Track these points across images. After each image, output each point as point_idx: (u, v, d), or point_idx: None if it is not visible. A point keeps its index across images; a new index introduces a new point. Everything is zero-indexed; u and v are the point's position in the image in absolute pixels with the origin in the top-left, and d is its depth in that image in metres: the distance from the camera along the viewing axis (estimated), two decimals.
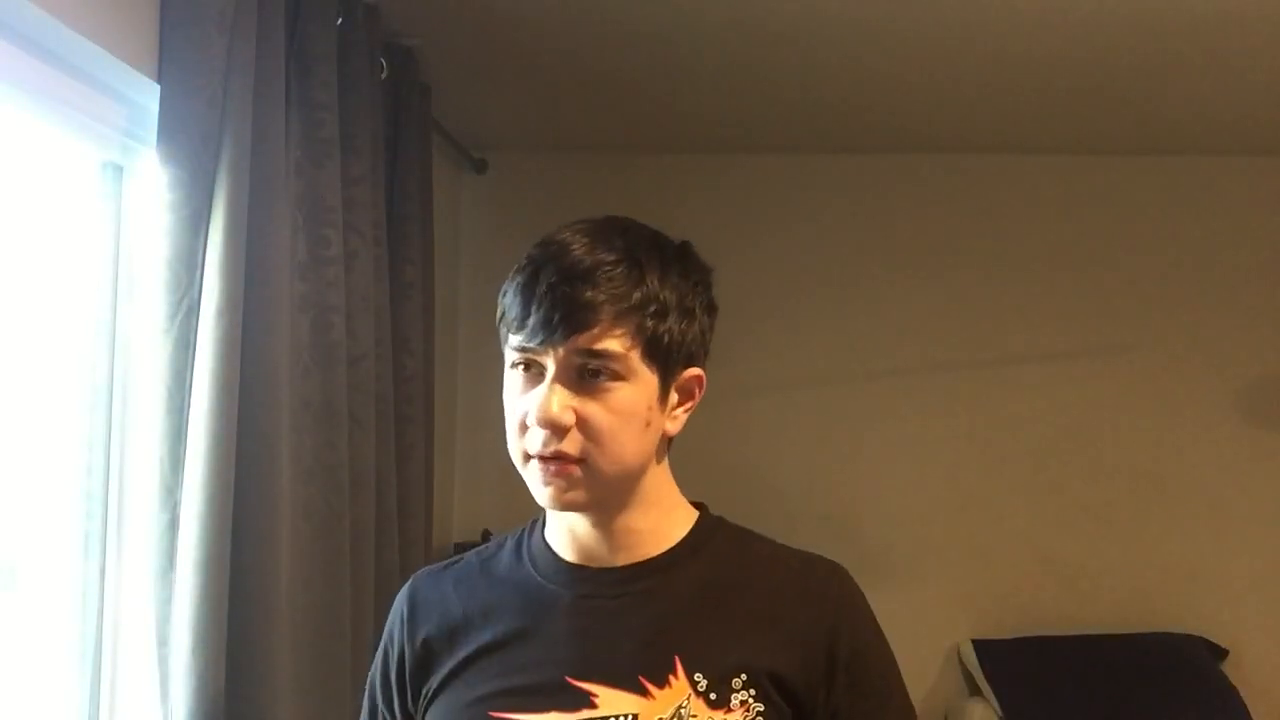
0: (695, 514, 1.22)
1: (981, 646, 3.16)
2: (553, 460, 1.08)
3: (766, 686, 1.10)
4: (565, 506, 1.12)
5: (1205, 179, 3.32)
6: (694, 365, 1.15)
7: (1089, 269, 3.33)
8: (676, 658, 1.10)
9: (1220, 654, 3.14)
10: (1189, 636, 3.15)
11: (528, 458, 1.10)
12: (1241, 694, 2.99)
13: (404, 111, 2.42)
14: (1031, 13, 2.32)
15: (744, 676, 1.10)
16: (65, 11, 1.43)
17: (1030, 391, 3.31)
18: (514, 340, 1.09)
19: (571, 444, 1.08)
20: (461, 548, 3.06)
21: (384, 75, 2.26)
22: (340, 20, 2.01)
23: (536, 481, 1.11)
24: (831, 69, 2.68)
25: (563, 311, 1.05)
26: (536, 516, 1.24)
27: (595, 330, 1.06)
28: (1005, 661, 3.11)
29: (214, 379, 1.59)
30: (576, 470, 1.09)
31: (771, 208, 3.39)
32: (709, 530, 1.21)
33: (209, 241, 1.62)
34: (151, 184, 1.62)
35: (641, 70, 2.73)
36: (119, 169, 1.74)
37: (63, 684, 1.67)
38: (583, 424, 1.07)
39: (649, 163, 3.39)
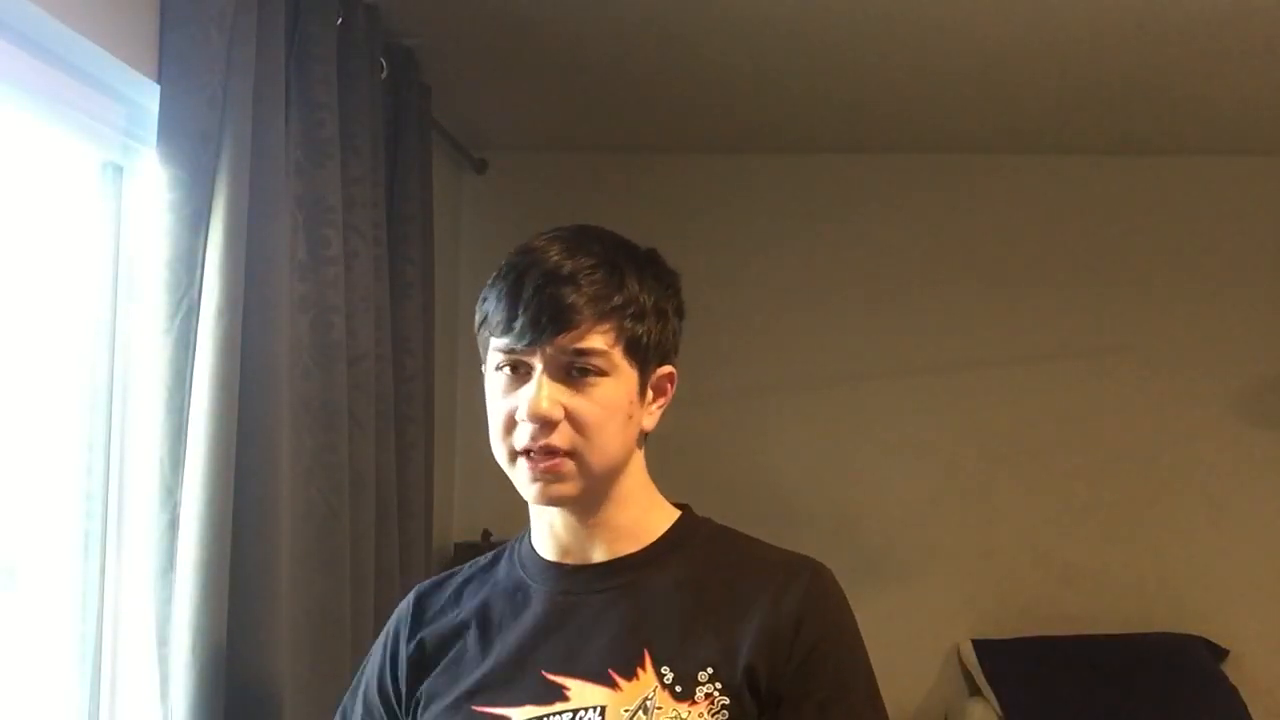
0: (676, 514, 1.25)
1: (981, 646, 3.16)
2: (542, 455, 1.12)
3: (733, 680, 1.11)
4: (553, 500, 1.16)
5: (1205, 179, 3.32)
6: (667, 363, 1.21)
7: (1089, 269, 3.33)
8: (646, 651, 1.13)
9: (1220, 654, 3.14)
10: (1189, 636, 3.14)
11: (514, 455, 1.14)
12: (1241, 694, 2.99)
13: (404, 111, 2.42)
14: (1032, 13, 2.32)
15: (710, 670, 1.12)
16: (65, 11, 1.43)
17: (1030, 391, 3.31)
18: (499, 343, 1.14)
19: (560, 437, 1.12)
20: (461, 547, 3.07)
21: (384, 75, 2.26)
22: (340, 20, 2.01)
23: (524, 478, 1.15)
24: (833, 69, 2.68)
25: (550, 312, 1.10)
26: (528, 524, 1.26)
27: (580, 329, 1.11)
28: (1005, 661, 3.11)
29: (214, 379, 1.59)
30: (567, 463, 1.13)
31: (772, 208, 3.39)
32: (689, 529, 1.24)
33: (209, 241, 1.62)
34: (151, 184, 1.62)
35: (643, 70, 2.73)
36: (119, 169, 1.73)
37: (63, 684, 1.66)
38: (571, 418, 1.12)
39: (649, 163, 3.38)
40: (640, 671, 1.12)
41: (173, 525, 1.59)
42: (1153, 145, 3.24)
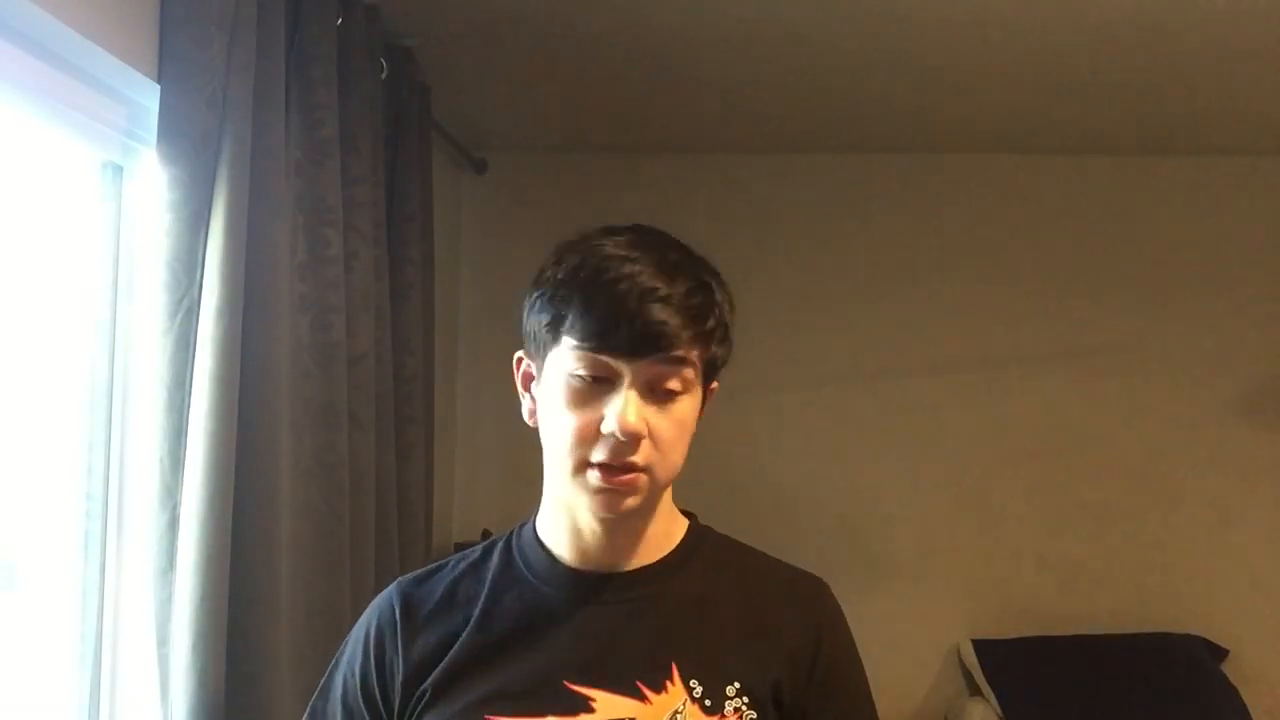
0: (685, 522, 1.25)
1: (981, 646, 3.16)
2: (621, 470, 1.10)
3: (759, 695, 1.12)
4: (619, 513, 1.14)
5: (1205, 179, 3.32)
6: (716, 378, 1.21)
7: (1089, 269, 3.33)
8: (674, 664, 1.12)
9: (1220, 654, 3.14)
10: (1189, 636, 3.14)
11: (585, 466, 1.11)
12: (1241, 694, 2.99)
13: (404, 111, 2.42)
14: (1032, 13, 2.32)
15: (738, 684, 1.12)
16: (65, 11, 1.43)
17: (1030, 391, 3.31)
18: (585, 346, 1.10)
19: (642, 455, 1.10)
20: (462, 548, 3.06)
21: (384, 75, 2.26)
22: (340, 20, 2.01)
23: (591, 489, 1.12)
24: (833, 70, 2.68)
25: (655, 331, 1.09)
26: (523, 520, 1.24)
27: (679, 350, 1.10)
28: (1005, 661, 3.11)
29: (214, 379, 1.59)
30: (641, 479, 1.11)
31: (772, 208, 3.39)
32: (700, 538, 1.24)
33: (209, 241, 1.62)
34: (151, 184, 1.62)
35: (643, 70, 2.73)
36: (119, 169, 1.73)
37: (63, 684, 1.67)
38: (652, 435, 1.11)
39: (649, 163, 3.38)
40: (669, 684, 1.12)
41: (173, 525, 1.59)
42: (1153, 145, 3.24)
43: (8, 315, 1.61)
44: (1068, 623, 3.20)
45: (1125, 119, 3.03)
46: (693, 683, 1.12)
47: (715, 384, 1.21)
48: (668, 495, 1.22)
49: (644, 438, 1.10)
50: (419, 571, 1.27)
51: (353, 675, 1.22)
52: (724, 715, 1.11)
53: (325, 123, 1.94)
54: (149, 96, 1.64)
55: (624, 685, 1.12)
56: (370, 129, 2.12)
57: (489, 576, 1.21)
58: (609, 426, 1.09)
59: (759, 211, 3.39)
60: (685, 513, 1.26)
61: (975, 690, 3.16)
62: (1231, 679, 3.04)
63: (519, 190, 3.38)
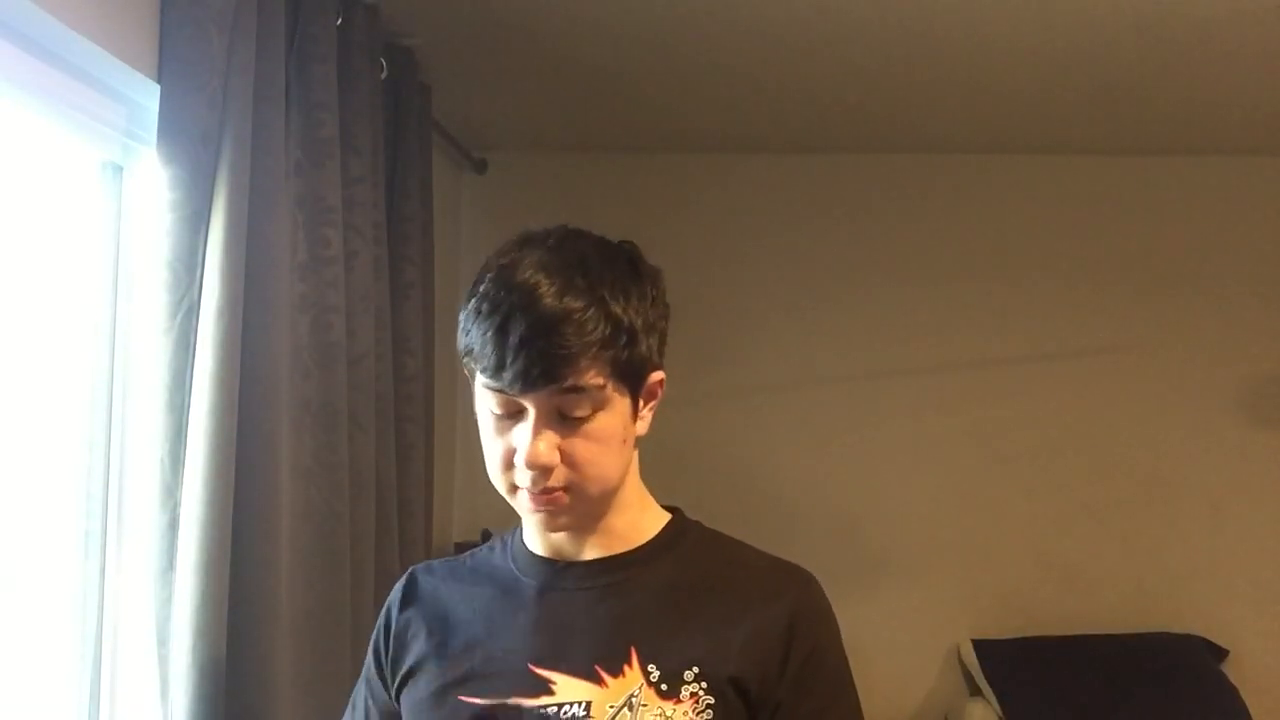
0: (667, 516, 1.26)
1: (981, 646, 3.16)
2: (544, 492, 1.13)
3: (719, 682, 1.12)
4: (557, 530, 1.19)
5: (1205, 179, 3.32)
6: (657, 370, 1.18)
7: (1089, 269, 3.33)
8: (632, 649, 1.14)
9: (1220, 654, 3.14)
10: (1189, 636, 3.15)
11: (514, 489, 1.15)
12: (1241, 694, 2.99)
13: (404, 111, 2.42)
14: (1032, 13, 2.32)
15: (696, 669, 1.13)
16: (65, 11, 1.43)
17: (1030, 391, 3.31)
18: (490, 382, 1.10)
19: (560, 478, 1.12)
20: (461, 548, 3.07)
21: (384, 75, 2.26)
22: (340, 20, 2.01)
23: (525, 510, 1.17)
24: (832, 69, 2.68)
25: (542, 365, 1.07)
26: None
27: (573, 376, 1.08)
28: (1005, 661, 3.11)
29: (214, 379, 1.59)
30: (564, 497, 1.14)
31: (771, 208, 3.39)
32: (681, 531, 1.25)
33: (209, 241, 1.62)
34: (151, 184, 1.62)
35: (641, 70, 2.73)
36: (119, 169, 1.73)
37: (63, 684, 1.66)
38: (567, 458, 1.12)
39: (649, 163, 3.39)
40: (626, 668, 1.13)
41: (173, 525, 1.59)
42: (1153, 145, 3.24)
43: (7, 315, 1.61)
44: (1068, 623, 3.20)
45: (1125, 119, 3.03)
46: (650, 666, 1.13)
47: (657, 375, 1.18)
48: (635, 488, 1.23)
49: (554, 466, 1.11)
50: (436, 560, 1.34)
51: (371, 652, 1.30)
52: (680, 699, 1.11)
53: (325, 123, 1.94)
54: (149, 96, 1.64)
55: (583, 669, 1.14)
56: (370, 129, 2.12)
57: (484, 569, 1.28)
58: (518, 459, 1.11)
59: (759, 211, 3.39)
60: (670, 508, 1.27)
61: (975, 690, 3.16)
62: (1231, 679, 3.04)
63: (519, 190, 3.37)
